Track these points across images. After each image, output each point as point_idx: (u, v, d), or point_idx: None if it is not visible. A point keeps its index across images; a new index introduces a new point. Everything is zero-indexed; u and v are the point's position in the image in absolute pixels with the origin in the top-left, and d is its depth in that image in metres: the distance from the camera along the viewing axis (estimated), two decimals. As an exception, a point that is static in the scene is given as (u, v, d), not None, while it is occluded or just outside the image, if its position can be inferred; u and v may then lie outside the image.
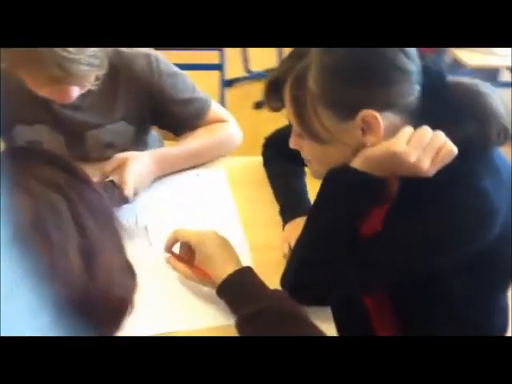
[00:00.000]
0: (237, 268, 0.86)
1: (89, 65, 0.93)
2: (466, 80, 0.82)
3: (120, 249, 0.49)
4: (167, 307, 0.91)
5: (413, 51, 0.75)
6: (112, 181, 1.08)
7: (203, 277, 0.88)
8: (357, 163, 0.78)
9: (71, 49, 0.89)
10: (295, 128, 0.84)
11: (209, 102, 1.25)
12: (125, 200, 1.06)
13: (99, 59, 0.96)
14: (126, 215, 1.10)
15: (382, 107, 0.75)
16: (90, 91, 1.10)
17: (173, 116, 1.22)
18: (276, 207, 1.12)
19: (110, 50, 1.03)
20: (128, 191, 1.05)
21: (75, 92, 1.00)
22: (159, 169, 1.17)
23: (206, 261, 0.88)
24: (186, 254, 0.91)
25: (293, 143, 0.87)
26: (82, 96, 1.09)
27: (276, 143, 1.17)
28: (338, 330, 0.87)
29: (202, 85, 1.29)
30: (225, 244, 0.90)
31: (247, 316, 0.80)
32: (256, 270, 0.97)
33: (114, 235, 0.49)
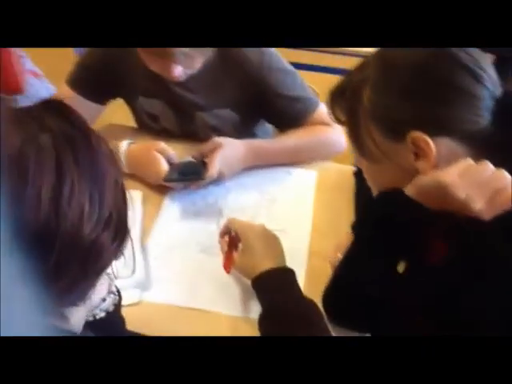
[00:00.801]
0: (275, 266, 0.86)
1: None
2: None
3: (100, 203, 0.53)
4: (199, 284, 0.96)
5: (487, 74, 0.67)
6: (203, 160, 1.15)
7: (230, 266, 0.90)
8: (410, 190, 0.72)
9: None
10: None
11: (316, 104, 1.25)
12: (208, 179, 1.12)
13: None
14: (208, 195, 1.16)
15: (437, 131, 0.68)
16: (201, 75, 1.17)
17: (277, 111, 1.25)
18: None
19: None
20: (211, 172, 1.11)
21: (179, 70, 1.07)
22: (251, 159, 1.20)
23: (246, 251, 0.89)
24: (235, 243, 0.94)
25: (356, 160, 0.84)
26: (194, 78, 1.17)
27: None
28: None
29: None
30: (270, 240, 0.91)
31: (267, 314, 0.80)
32: (310, 276, 0.96)
33: (95, 188, 0.52)
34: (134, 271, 0.94)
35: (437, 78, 0.67)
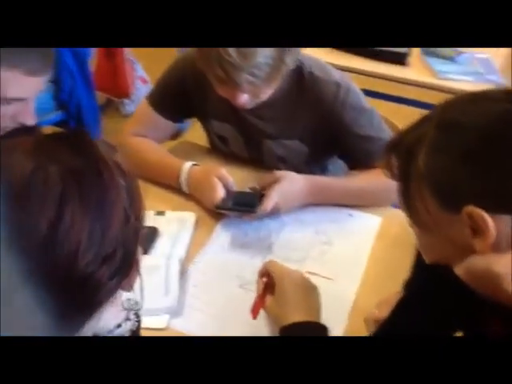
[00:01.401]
0: (307, 319, 0.81)
1: (250, 74, 0.97)
2: None
3: (102, 239, 0.52)
4: (229, 320, 0.93)
5: None
6: (261, 192, 1.13)
7: (258, 310, 0.86)
8: (459, 270, 0.64)
9: (233, 53, 0.94)
10: None
11: (391, 147, 1.17)
12: (261, 213, 1.09)
13: (264, 72, 0.98)
14: (262, 228, 1.13)
15: (501, 207, 0.59)
16: (272, 103, 1.15)
17: (347, 148, 1.19)
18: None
19: (288, 67, 1.05)
20: (265, 206, 1.08)
21: (244, 98, 1.05)
22: (311, 196, 1.15)
23: (279, 298, 0.85)
24: (272, 286, 0.90)
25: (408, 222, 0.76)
26: (265, 106, 1.15)
27: None
28: None
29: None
30: (307, 291, 0.86)
31: None
32: (350, 328, 0.90)
33: (98, 225, 0.52)
34: (166, 295, 0.93)
35: (507, 145, 0.59)
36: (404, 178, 0.68)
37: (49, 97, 2.11)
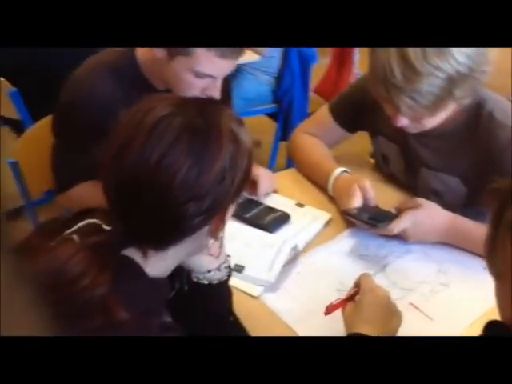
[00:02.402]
0: (373, 335, 0.82)
1: (411, 98, 0.97)
2: None
3: (197, 178, 0.66)
4: (316, 318, 0.96)
5: None
6: (396, 214, 1.14)
7: (332, 311, 0.90)
8: None
9: (398, 75, 0.95)
10: None
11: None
12: (385, 232, 1.11)
13: (427, 100, 0.97)
14: (384, 246, 1.14)
15: None
16: (442, 135, 1.15)
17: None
18: None
19: (458, 100, 1.03)
20: (391, 227, 1.09)
21: (403, 122, 1.06)
22: (447, 235, 1.11)
23: (357, 306, 0.87)
24: (356, 295, 0.92)
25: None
26: (434, 136, 1.15)
27: None
28: None
29: None
30: (386, 311, 0.86)
31: None
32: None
33: (197, 167, 0.66)
34: (268, 270, 1.04)
35: None
36: (494, 223, 0.66)
37: (268, 90, 2.37)
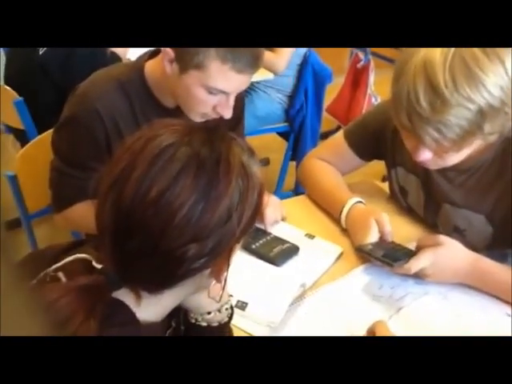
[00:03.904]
0: None
1: (436, 130, 0.88)
2: None
3: (200, 216, 0.59)
4: None
5: None
6: (413, 251, 1.06)
7: None
8: None
9: (424, 104, 0.87)
10: None
11: None
12: (402, 271, 1.03)
13: (454, 133, 0.88)
14: (400, 286, 1.06)
15: None
16: (468, 170, 1.07)
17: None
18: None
19: (487, 136, 0.94)
20: (407, 267, 1.01)
21: (426, 156, 0.97)
22: (470, 277, 1.03)
23: None
24: None
25: None
26: (459, 171, 1.08)
27: None
28: None
29: None
30: None
31: None
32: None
33: (200, 204, 0.59)
34: (274, 310, 0.96)
35: None
36: None
37: (280, 109, 2.30)
